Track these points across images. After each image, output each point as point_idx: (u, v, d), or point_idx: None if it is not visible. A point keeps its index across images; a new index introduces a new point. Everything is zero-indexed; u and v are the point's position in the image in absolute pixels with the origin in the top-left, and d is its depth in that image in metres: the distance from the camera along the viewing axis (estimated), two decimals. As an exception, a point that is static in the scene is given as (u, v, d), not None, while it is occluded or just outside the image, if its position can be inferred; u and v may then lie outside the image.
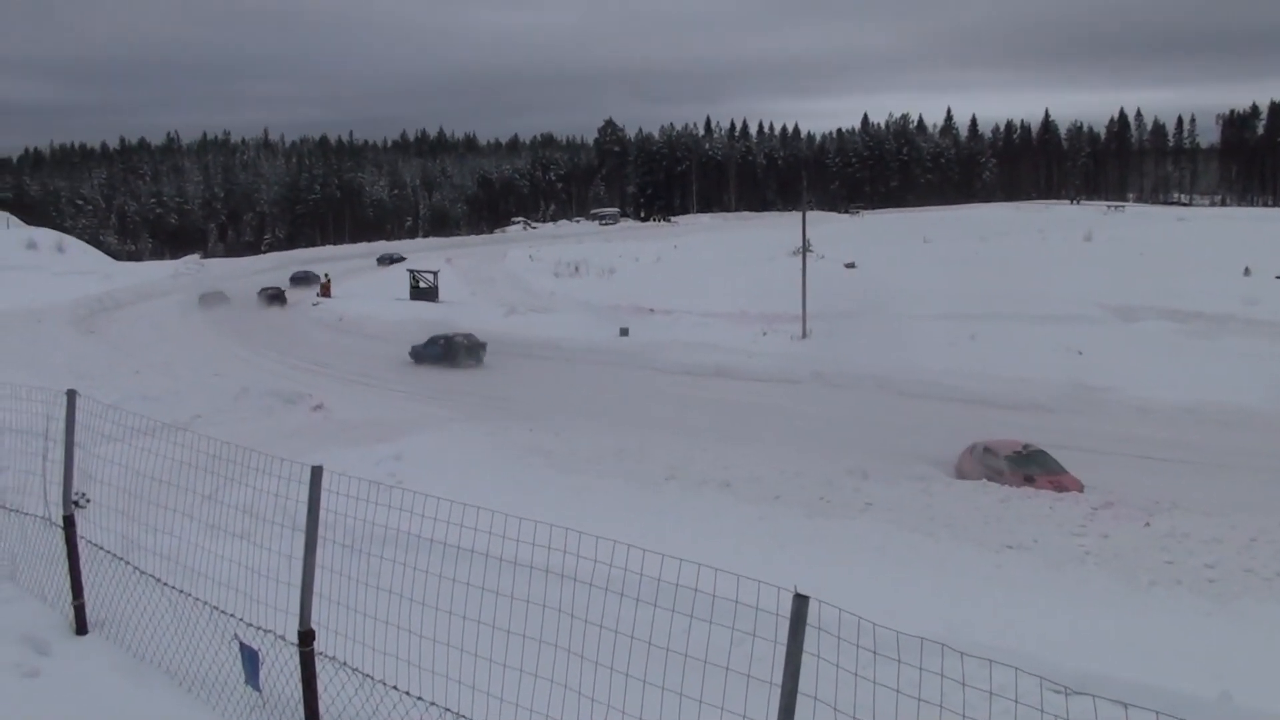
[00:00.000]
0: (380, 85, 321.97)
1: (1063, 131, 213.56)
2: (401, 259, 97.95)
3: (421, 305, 63.08)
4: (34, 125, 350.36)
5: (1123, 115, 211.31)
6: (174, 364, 41.36)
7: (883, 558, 15.24)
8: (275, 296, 65.64)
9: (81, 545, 8.55)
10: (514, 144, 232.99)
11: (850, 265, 70.57)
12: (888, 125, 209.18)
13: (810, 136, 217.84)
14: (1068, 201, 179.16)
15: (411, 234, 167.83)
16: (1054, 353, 38.51)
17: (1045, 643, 10.61)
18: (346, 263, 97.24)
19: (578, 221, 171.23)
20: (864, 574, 13.79)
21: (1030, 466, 24.12)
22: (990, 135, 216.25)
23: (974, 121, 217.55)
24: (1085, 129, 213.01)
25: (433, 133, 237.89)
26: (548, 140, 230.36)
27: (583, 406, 33.70)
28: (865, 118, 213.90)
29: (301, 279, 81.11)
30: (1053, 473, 23.92)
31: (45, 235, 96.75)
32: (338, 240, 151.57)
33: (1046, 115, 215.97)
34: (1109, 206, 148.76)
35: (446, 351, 44.04)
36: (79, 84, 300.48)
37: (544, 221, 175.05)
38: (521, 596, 6.45)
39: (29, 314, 54.49)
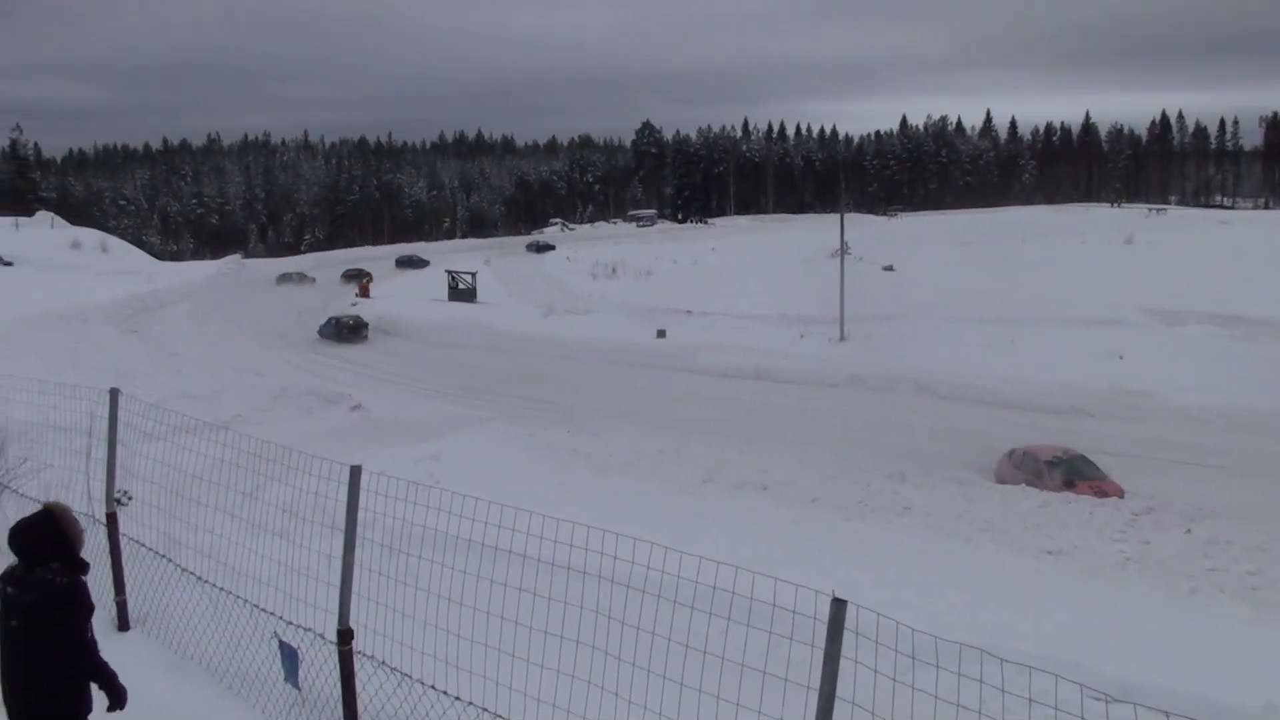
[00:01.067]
0: (419, 87, 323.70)
1: (1103, 133, 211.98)
2: (424, 262, 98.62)
3: (460, 306, 63.27)
4: (79, 127, 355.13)
5: (1164, 117, 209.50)
6: (215, 363, 41.70)
7: (921, 562, 15.16)
8: (353, 328, 56.03)
9: (123, 542, 8.64)
10: (552, 146, 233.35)
11: (888, 268, 70.24)
12: (926, 127, 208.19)
13: (848, 138, 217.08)
14: (1108, 204, 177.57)
15: (449, 235, 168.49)
16: (1094, 357, 38.17)
17: (1085, 650, 10.51)
18: (384, 264, 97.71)
19: (615, 223, 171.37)
20: (902, 578, 13.71)
21: (1070, 471, 23.90)
22: (1030, 137, 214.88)
23: (1013, 123, 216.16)
24: (1126, 131, 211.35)
25: (471, 134, 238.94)
26: (585, 142, 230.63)
27: (620, 408, 33.72)
28: (904, 119, 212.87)
29: (354, 276, 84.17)
30: (1093, 478, 23.70)
31: (89, 235, 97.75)
32: (376, 240, 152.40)
33: (1087, 117, 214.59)
34: (1150, 209, 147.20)
35: (337, 330, 53.22)
36: (123, 86, 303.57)
37: (581, 223, 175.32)
38: (559, 597, 6.45)
39: (73, 313, 55.02)
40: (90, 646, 5.56)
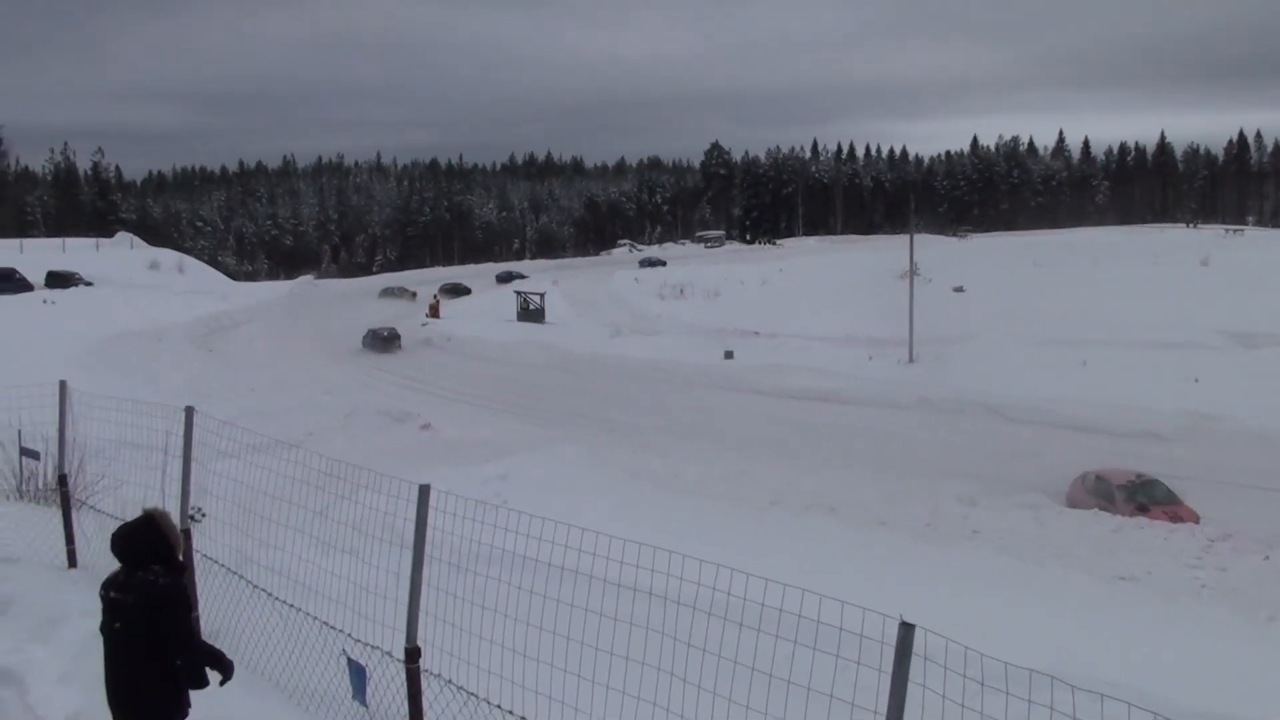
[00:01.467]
0: (490, 109, 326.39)
1: (1179, 153, 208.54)
2: (521, 277, 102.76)
3: (529, 326, 63.66)
4: (157, 150, 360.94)
5: (1241, 136, 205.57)
6: (287, 382, 42.25)
7: (991, 586, 14.97)
8: (386, 339, 59.38)
9: (196, 558, 8.76)
10: (621, 167, 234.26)
11: (959, 289, 69.59)
12: (998, 147, 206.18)
13: (918, 159, 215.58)
14: (1183, 225, 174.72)
15: (518, 256, 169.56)
16: (1168, 380, 37.51)
17: (1159, 677, 10.30)
18: (484, 280, 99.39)
19: (683, 244, 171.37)
20: (971, 602, 13.55)
21: (1144, 496, 23.51)
22: (1103, 157, 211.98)
23: (1086, 143, 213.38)
24: (1202, 151, 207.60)
25: (541, 156, 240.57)
26: (654, 163, 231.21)
27: (688, 429, 33.71)
28: (974, 139, 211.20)
29: (451, 290, 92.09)
30: (1167, 503, 23.28)
31: (166, 255, 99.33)
32: (447, 261, 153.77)
33: (1162, 137, 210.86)
34: (1227, 230, 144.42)
35: (374, 341, 58.87)
36: (201, 110, 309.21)
37: (650, 244, 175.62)
38: (625, 618, 6.45)
39: (151, 332, 55.99)
40: (193, 638, 5.84)
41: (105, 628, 5.64)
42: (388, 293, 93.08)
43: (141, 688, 5.56)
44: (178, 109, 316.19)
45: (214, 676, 5.84)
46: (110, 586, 5.67)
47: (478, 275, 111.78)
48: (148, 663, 5.52)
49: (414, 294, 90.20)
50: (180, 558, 5.81)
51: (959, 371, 41.35)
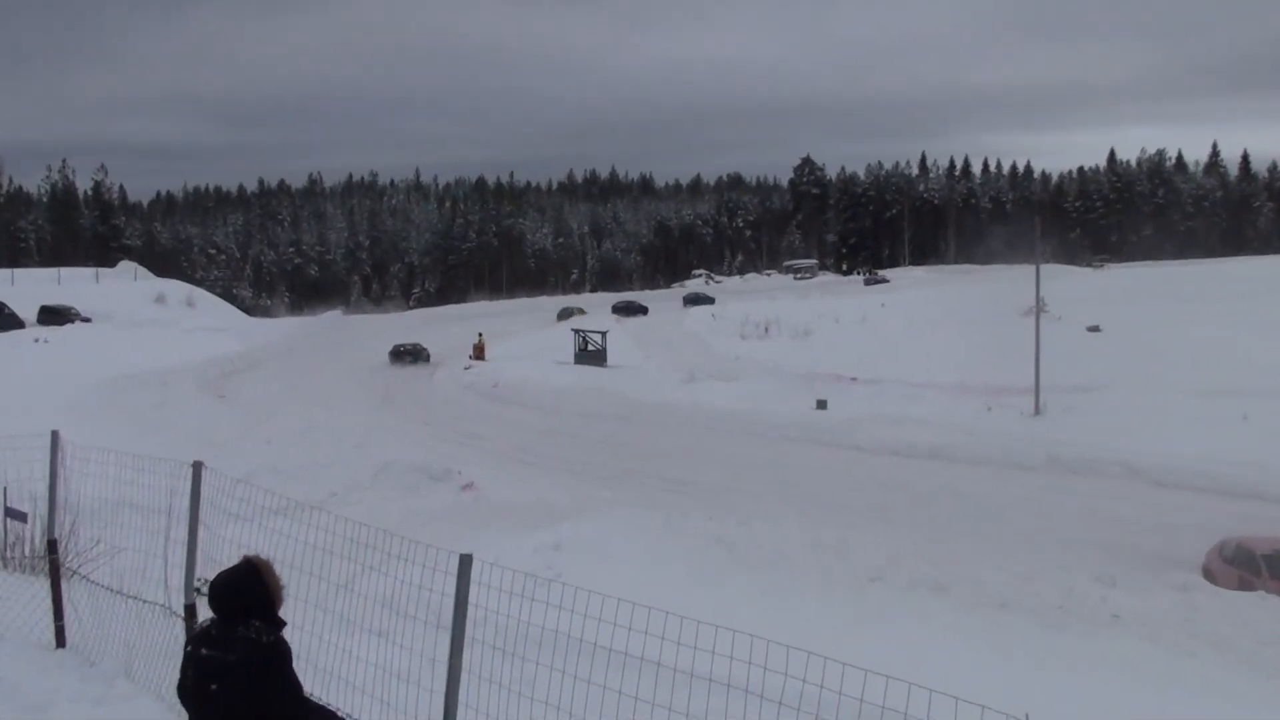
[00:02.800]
0: (546, 121, 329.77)
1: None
2: (643, 309, 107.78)
3: (588, 370, 63.78)
4: (167, 168, 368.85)
5: None
6: (310, 433, 42.66)
7: (1135, 682, 14.76)
8: (411, 353, 76.56)
9: (204, 638, 8.81)
10: (696, 186, 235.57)
11: (1094, 328, 68.95)
12: (1139, 162, 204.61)
13: (1045, 176, 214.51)
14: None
15: (577, 288, 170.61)
16: (1349, 438, 36.84)
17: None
18: (502, 320, 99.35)
19: (768, 274, 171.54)
20: (1111, 699, 13.36)
21: (1294, 568, 23.05)
22: (1266, 174, 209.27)
23: (1245, 157, 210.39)
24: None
25: (604, 174, 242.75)
26: (735, 181, 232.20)
27: (771, 491, 33.58)
28: (1112, 154, 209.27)
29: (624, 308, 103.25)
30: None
31: (175, 288, 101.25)
32: (494, 294, 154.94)
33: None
34: None
35: (398, 356, 74.47)
36: (216, 123, 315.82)
37: (729, 274, 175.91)
38: (698, 714, 6.39)
39: (155, 375, 56.94)
40: (305, 698, 5.88)
41: (192, 691, 5.62)
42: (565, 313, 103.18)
43: None
44: (190, 121, 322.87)
45: None
46: (202, 642, 5.64)
47: (534, 309, 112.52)
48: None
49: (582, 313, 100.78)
50: (280, 612, 5.80)
51: (1094, 426, 40.84)
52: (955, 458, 39.33)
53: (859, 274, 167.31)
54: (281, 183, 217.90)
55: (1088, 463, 36.84)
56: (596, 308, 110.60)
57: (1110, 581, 21.51)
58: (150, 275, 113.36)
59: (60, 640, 10.78)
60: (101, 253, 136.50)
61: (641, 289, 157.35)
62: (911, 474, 37.30)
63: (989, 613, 18.65)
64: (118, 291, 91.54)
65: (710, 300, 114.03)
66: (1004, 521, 29.85)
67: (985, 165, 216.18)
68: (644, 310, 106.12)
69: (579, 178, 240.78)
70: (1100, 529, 29.06)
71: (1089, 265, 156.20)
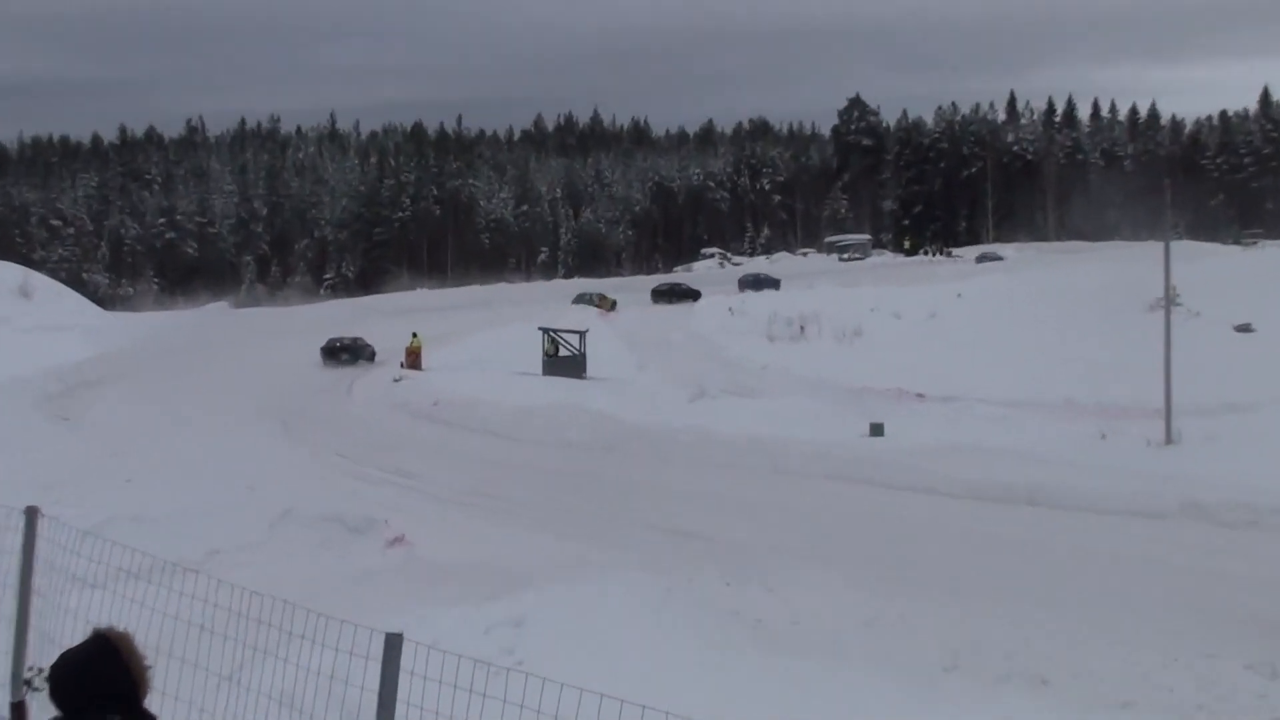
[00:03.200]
0: (505, 50, 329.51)
1: None
2: (697, 294, 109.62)
3: (561, 382, 63.53)
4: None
5: None
6: (185, 468, 42.57)
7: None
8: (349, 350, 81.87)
9: (35, 749, 8.75)
10: (707, 135, 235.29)
11: (1244, 328, 69.23)
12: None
13: (1176, 123, 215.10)
14: None
15: (547, 272, 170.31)
16: None
17: None
18: (445, 317, 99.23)
19: (804, 254, 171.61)
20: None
21: None
22: None
23: None
24: None
25: (583, 119, 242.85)
26: (760, 129, 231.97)
27: (810, 548, 33.55)
28: (1265, 93, 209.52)
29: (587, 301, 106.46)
30: None
31: (6, 273, 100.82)
32: (435, 278, 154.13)
33: None
34: None
35: (331, 354, 79.49)
36: (63, 52, 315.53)
37: (752, 254, 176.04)
38: None
39: (-27, 391, 56.90)
40: None
41: None
42: (582, 299, 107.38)
43: None
44: (27, 47, 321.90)
45: None
46: None
47: (487, 300, 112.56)
48: None
49: (614, 302, 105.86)
50: (145, 700, 5.77)
51: (1246, 459, 40.88)
52: (1058, 503, 39.29)
53: (927, 253, 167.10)
54: (150, 131, 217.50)
55: (1238, 508, 36.81)
56: (632, 291, 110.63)
57: (1270, 672, 21.53)
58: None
59: None
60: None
61: (633, 273, 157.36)
62: (999, 525, 37.26)
63: (1107, 714, 18.66)
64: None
65: (775, 284, 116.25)
66: (1125, 590, 29.83)
67: (1095, 108, 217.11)
68: (696, 295, 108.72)
69: (549, 125, 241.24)
70: (1255, 600, 29.03)
71: (1236, 242, 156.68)
